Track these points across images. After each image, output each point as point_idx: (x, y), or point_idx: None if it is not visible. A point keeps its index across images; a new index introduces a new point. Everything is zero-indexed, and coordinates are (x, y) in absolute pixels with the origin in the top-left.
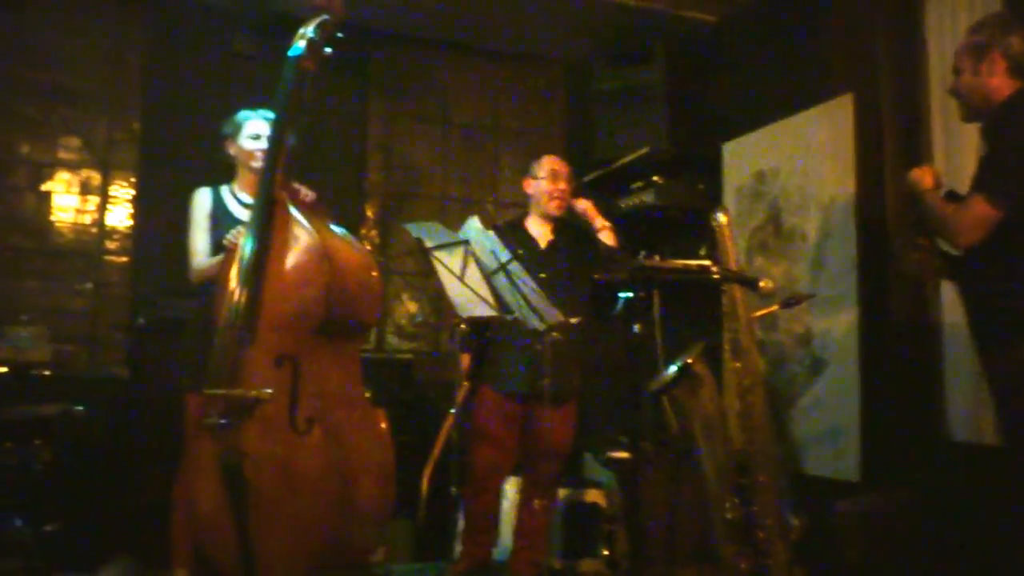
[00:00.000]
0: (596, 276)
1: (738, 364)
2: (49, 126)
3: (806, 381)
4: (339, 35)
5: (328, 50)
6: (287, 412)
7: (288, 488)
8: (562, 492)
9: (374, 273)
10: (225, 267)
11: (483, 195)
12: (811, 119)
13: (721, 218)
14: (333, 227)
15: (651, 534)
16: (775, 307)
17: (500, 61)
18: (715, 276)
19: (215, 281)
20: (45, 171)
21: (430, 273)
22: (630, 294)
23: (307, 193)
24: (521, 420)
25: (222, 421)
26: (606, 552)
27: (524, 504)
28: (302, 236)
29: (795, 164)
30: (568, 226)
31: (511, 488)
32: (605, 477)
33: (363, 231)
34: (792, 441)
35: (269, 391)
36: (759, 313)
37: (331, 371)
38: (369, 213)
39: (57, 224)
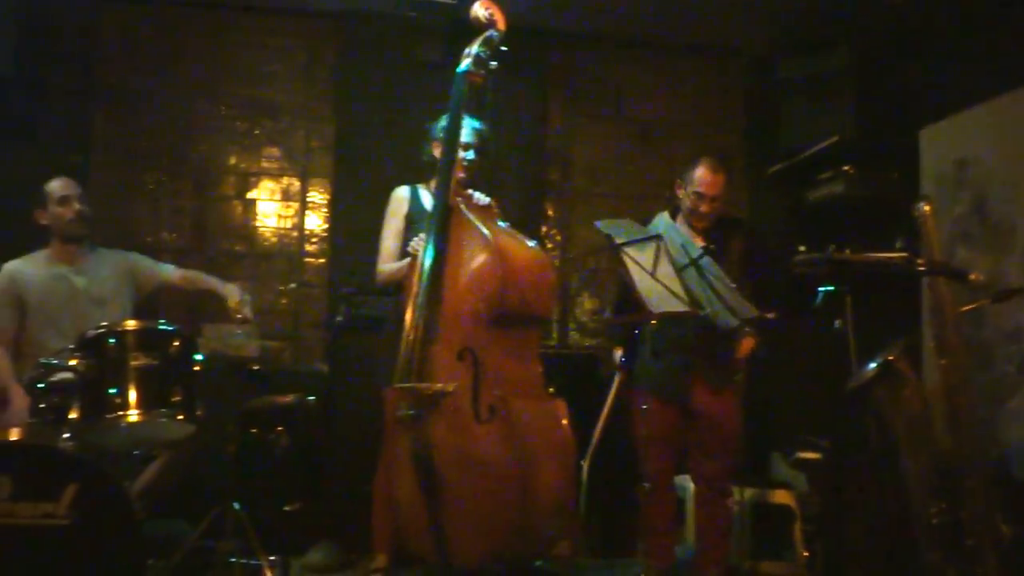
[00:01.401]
0: (795, 268)
1: (944, 362)
2: (253, 138)
3: (1016, 381)
4: (504, 48)
5: (494, 64)
6: (470, 402)
7: (473, 475)
8: (748, 492)
9: (546, 268)
10: (410, 272)
11: (662, 192)
12: (1018, 100)
13: (924, 208)
14: (505, 227)
15: (849, 538)
16: (985, 301)
17: (677, 55)
18: (921, 269)
19: (401, 284)
20: (251, 180)
21: (612, 270)
22: (831, 288)
23: (480, 197)
24: (681, 418)
25: (411, 413)
26: (806, 554)
27: (701, 503)
28: (476, 237)
29: (1002, 149)
30: (719, 226)
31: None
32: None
33: (544, 230)
34: (1001, 444)
35: (453, 384)
36: (967, 308)
37: (509, 362)
38: (550, 212)
39: (261, 229)
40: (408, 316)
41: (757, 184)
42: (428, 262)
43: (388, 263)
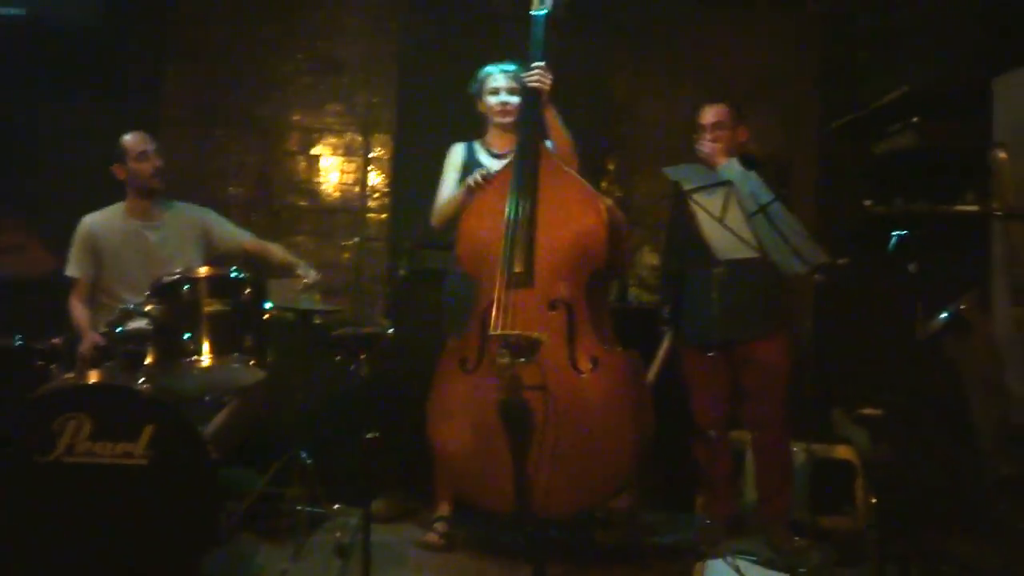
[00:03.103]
0: (869, 207)
1: (1020, 309)
2: (317, 94)
3: None
4: None
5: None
6: (567, 354)
7: (574, 427)
8: (809, 447)
9: (624, 222)
10: (473, 215)
11: None
12: None
13: (1000, 155)
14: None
15: (916, 492)
16: None
17: (749, 6)
18: (998, 214)
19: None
20: (315, 136)
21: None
22: (905, 232)
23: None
24: (725, 365)
25: (521, 361)
26: (873, 500)
27: (759, 452)
28: (573, 187)
29: None
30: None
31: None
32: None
33: (604, 184)
34: None
35: (545, 334)
36: None
37: (596, 315)
38: (610, 167)
39: (324, 184)
40: (496, 261)
41: (831, 138)
42: (517, 208)
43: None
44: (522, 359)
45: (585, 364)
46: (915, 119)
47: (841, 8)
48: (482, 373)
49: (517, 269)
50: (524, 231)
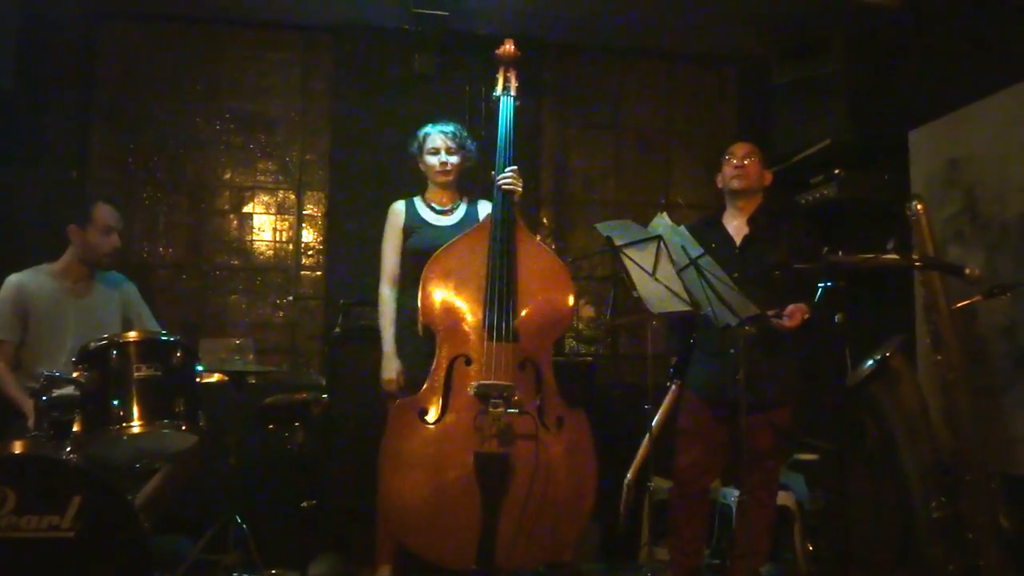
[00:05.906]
0: (797, 265)
1: (940, 358)
2: (248, 152)
3: (1012, 377)
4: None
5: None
6: (536, 411)
7: (544, 482)
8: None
9: None
10: (439, 273)
11: (656, 199)
12: (1008, 100)
13: (917, 206)
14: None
15: (850, 536)
16: (978, 297)
17: (671, 63)
18: (917, 264)
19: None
20: (246, 194)
21: (606, 277)
22: (829, 283)
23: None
24: (727, 424)
25: (515, 412)
26: (810, 547)
27: (742, 512)
28: (546, 257)
29: (992, 148)
30: (767, 214)
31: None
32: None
33: (538, 239)
34: (998, 439)
35: (525, 393)
36: (961, 304)
37: (551, 374)
38: (544, 221)
39: (257, 243)
40: (468, 316)
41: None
42: (499, 271)
43: (389, 283)
44: (514, 410)
45: (552, 421)
46: (837, 171)
47: (759, 60)
48: (447, 425)
49: (500, 325)
50: (506, 293)
